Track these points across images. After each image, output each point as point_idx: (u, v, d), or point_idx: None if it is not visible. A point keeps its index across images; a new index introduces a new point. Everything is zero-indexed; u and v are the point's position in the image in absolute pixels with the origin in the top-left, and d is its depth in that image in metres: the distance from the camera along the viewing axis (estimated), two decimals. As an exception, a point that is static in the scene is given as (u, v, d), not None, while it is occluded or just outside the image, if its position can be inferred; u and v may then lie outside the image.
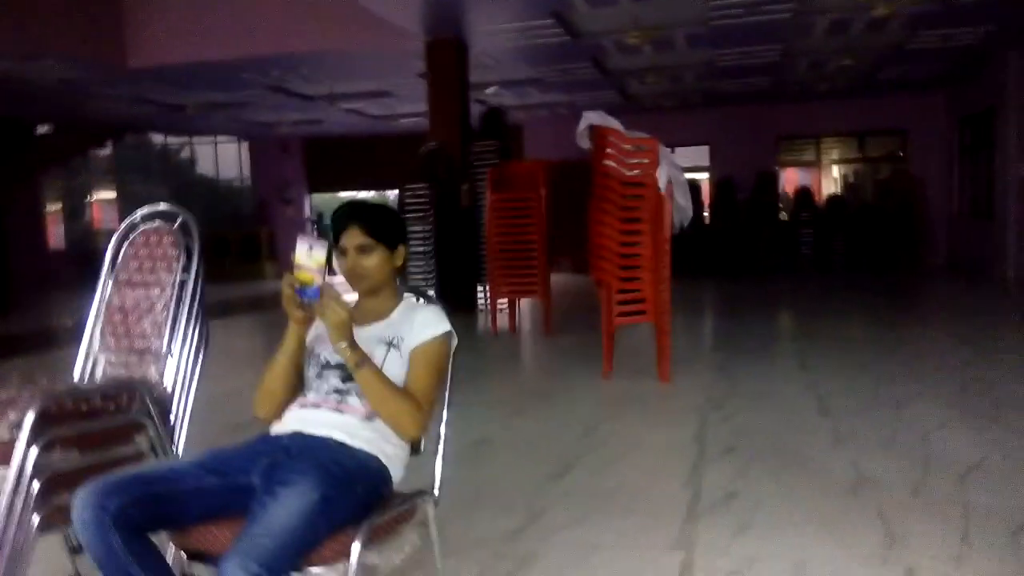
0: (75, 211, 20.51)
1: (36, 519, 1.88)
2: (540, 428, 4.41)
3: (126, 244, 2.47)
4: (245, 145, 18.71)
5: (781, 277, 12.95)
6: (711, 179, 15.44)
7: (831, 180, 16.51)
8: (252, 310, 11.12)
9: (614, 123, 4.99)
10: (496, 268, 7.92)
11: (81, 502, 1.60)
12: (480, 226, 8.91)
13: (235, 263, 16.94)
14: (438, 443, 2.07)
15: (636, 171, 5.03)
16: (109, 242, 2.50)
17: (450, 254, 9.10)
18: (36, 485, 1.86)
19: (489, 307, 8.42)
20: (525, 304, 9.69)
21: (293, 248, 1.84)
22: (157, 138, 19.44)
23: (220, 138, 18.56)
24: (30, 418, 1.82)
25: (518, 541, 2.78)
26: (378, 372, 1.87)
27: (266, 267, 17.66)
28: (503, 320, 8.38)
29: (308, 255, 1.81)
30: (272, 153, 18.19)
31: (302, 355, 1.99)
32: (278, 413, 1.98)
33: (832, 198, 14.79)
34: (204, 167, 20.77)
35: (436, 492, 2.02)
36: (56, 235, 18.99)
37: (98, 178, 20.62)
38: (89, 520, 1.59)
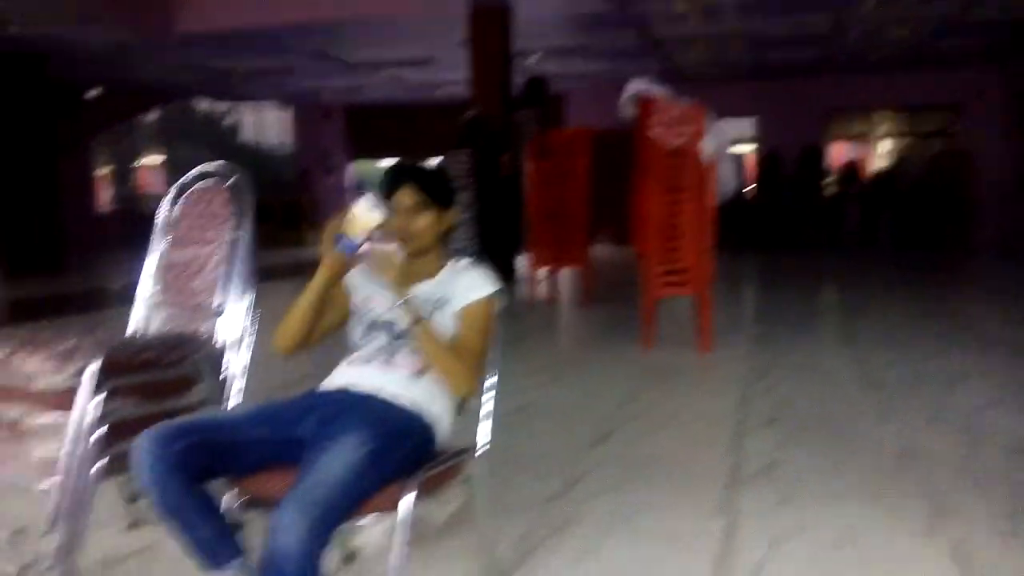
0: (122, 175, 20.91)
1: (97, 466, 1.94)
2: (578, 396, 4.43)
3: (180, 202, 2.52)
4: (288, 112, 18.83)
5: (826, 253, 12.74)
6: (757, 152, 15.18)
7: (879, 155, 16.12)
8: (293, 276, 11.25)
9: (660, 91, 4.92)
10: (537, 237, 7.90)
11: (142, 447, 1.66)
12: (521, 195, 8.88)
13: (277, 230, 17.12)
14: (482, 404, 2.10)
15: (681, 140, 4.96)
16: (155, 206, 2.55)
17: (490, 223, 9.09)
18: (97, 433, 1.92)
19: (529, 277, 8.43)
20: (564, 275, 9.67)
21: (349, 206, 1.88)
22: (202, 104, 19.67)
23: (263, 105, 18.69)
24: (94, 367, 1.87)
25: (557, 505, 2.80)
26: (432, 329, 1.90)
27: (308, 234, 17.81)
28: (542, 290, 8.39)
29: (363, 212, 1.85)
30: (314, 120, 18.27)
31: (326, 299, 2.00)
32: (293, 348, 2.02)
33: (880, 173, 14.46)
34: (247, 134, 21.00)
35: (480, 451, 2.05)
36: (104, 199, 19.39)
37: (144, 143, 20.98)
38: (149, 464, 1.64)
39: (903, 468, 3.08)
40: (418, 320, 1.89)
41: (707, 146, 4.78)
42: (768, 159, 14.23)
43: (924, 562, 2.30)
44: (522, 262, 9.24)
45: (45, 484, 1.95)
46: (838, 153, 16.01)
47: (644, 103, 5.06)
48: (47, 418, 1.93)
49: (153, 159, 21.14)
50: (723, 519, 2.63)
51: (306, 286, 1.99)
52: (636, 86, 5.01)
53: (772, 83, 14.52)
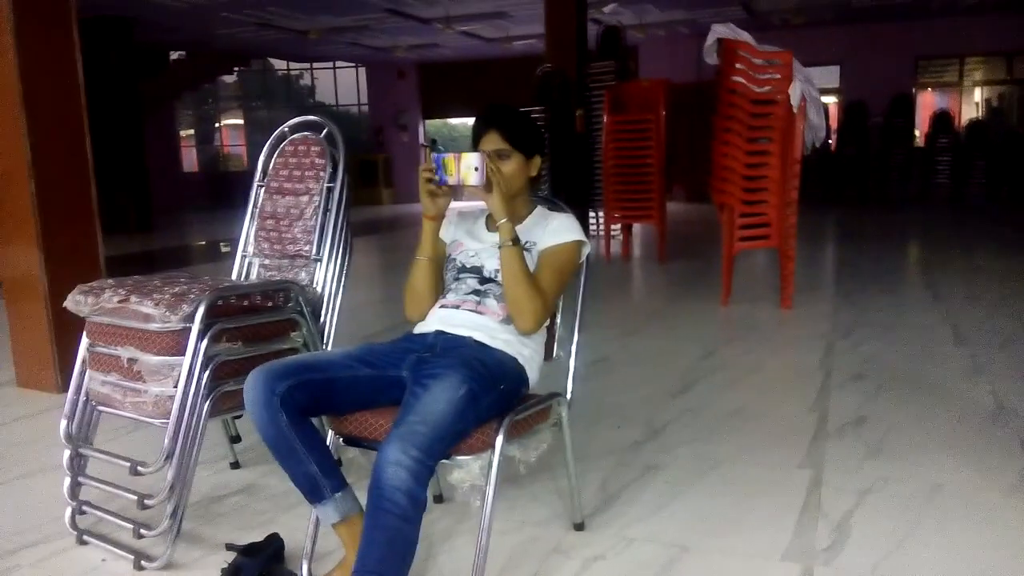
0: (205, 136, 21.52)
1: (205, 406, 2.06)
2: (658, 349, 4.42)
3: (276, 153, 2.60)
4: (363, 72, 18.99)
5: (914, 206, 12.26)
6: (841, 102, 14.60)
7: (973, 104, 15.32)
8: (372, 233, 11.49)
9: (745, 36, 4.77)
10: (611, 192, 7.84)
11: (252, 385, 1.74)
12: (594, 150, 8.80)
13: (353, 189, 17.38)
14: (570, 350, 2.14)
15: (767, 88, 4.82)
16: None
17: (564, 178, 9.05)
18: (206, 374, 2.03)
19: (603, 233, 8.38)
20: (637, 231, 9.58)
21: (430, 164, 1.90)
22: (279, 66, 20.02)
23: (339, 64, 18.89)
24: (201, 310, 1.98)
25: (640, 452, 2.83)
26: (522, 254, 1.93)
27: (383, 193, 18.07)
28: (616, 247, 8.34)
29: (468, 164, 1.86)
30: (388, 79, 18.39)
31: (440, 252, 2.08)
32: (427, 312, 2.06)
33: (973, 123, 13.76)
34: (323, 94, 21.29)
35: (569, 395, 2.09)
36: (188, 159, 20.03)
37: (225, 104, 21.52)
38: (260, 401, 1.73)
39: (994, 425, 3.00)
40: (515, 240, 1.91)
41: (794, 93, 4.63)
42: (855, 108, 13.71)
43: (1015, 519, 2.25)
44: (594, 219, 9.20)
45: (160, 421, 2.07)
46: (928, 102, 15.29)
47: (728, 49, 4.93)
48: (161, 359, 2.04)
49: (234, 120, 21.68)
50: (809, 471, 2.61)
51: (415, 249, 2.04)
52: (719, 31, 4.87)
53: (858, 28, 13.89)
